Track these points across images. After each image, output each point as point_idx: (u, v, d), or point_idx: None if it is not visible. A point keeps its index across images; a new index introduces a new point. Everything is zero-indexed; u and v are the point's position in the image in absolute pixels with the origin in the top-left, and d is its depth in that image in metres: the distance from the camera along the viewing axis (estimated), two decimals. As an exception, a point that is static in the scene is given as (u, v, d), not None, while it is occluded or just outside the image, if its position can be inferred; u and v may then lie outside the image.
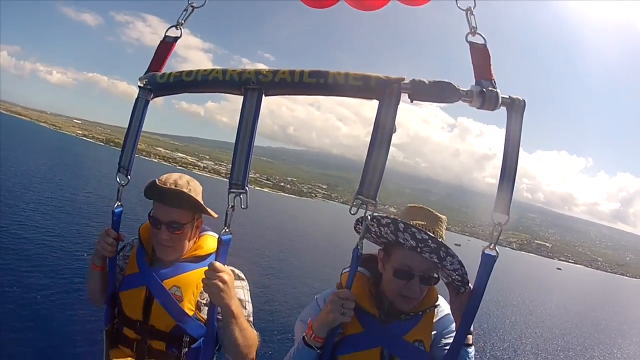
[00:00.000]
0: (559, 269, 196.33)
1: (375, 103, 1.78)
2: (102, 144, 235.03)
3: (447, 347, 1.92)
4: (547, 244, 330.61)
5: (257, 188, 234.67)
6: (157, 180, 2.26)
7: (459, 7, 1.92)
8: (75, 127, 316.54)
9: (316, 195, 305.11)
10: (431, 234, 1.83)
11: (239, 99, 1.90)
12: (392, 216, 1.92)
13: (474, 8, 1.90)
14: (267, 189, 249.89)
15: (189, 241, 2.33)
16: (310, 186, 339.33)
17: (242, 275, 2.32)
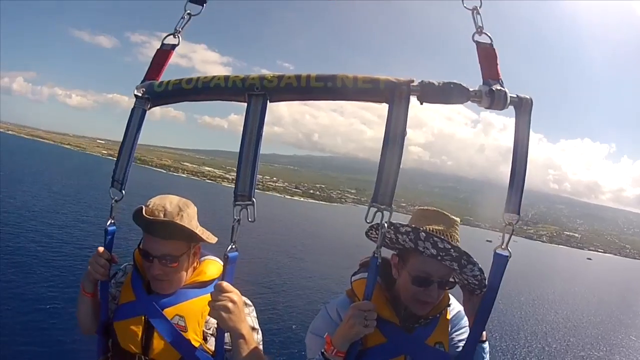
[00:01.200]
0: (589, 259, 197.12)
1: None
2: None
3: (461, 343, 1.98)
4: (577, 235, 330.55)
5: (287, 197, 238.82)
6: (143, 208, 2.01)
7: (465, 6, 1.90)
8: (100, 147, 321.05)
9: (346, 201, 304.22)
10: (454, 243, 1.82)
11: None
12: (412, 225, 1.89)
13: (480, 7, 1.88)
14: (297, 197, 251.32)
15: (186, 272, 2.12)
16: (339, 191, 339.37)
17: (249, 302, 2.09)
